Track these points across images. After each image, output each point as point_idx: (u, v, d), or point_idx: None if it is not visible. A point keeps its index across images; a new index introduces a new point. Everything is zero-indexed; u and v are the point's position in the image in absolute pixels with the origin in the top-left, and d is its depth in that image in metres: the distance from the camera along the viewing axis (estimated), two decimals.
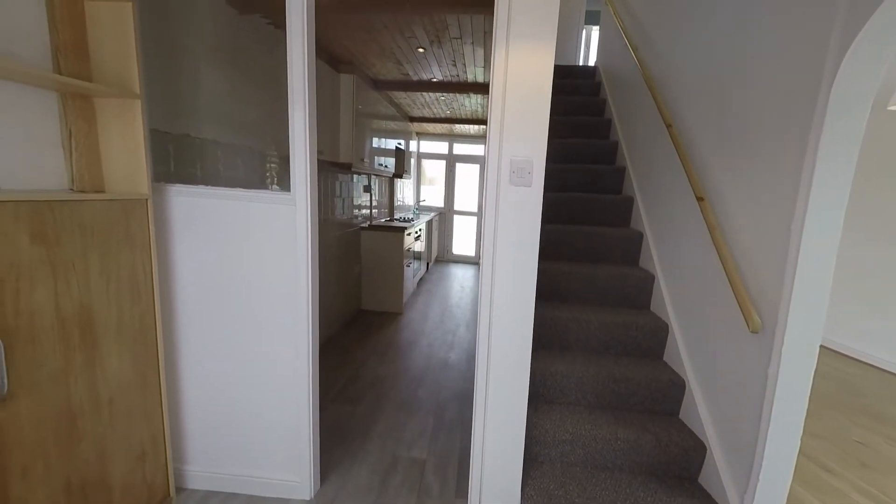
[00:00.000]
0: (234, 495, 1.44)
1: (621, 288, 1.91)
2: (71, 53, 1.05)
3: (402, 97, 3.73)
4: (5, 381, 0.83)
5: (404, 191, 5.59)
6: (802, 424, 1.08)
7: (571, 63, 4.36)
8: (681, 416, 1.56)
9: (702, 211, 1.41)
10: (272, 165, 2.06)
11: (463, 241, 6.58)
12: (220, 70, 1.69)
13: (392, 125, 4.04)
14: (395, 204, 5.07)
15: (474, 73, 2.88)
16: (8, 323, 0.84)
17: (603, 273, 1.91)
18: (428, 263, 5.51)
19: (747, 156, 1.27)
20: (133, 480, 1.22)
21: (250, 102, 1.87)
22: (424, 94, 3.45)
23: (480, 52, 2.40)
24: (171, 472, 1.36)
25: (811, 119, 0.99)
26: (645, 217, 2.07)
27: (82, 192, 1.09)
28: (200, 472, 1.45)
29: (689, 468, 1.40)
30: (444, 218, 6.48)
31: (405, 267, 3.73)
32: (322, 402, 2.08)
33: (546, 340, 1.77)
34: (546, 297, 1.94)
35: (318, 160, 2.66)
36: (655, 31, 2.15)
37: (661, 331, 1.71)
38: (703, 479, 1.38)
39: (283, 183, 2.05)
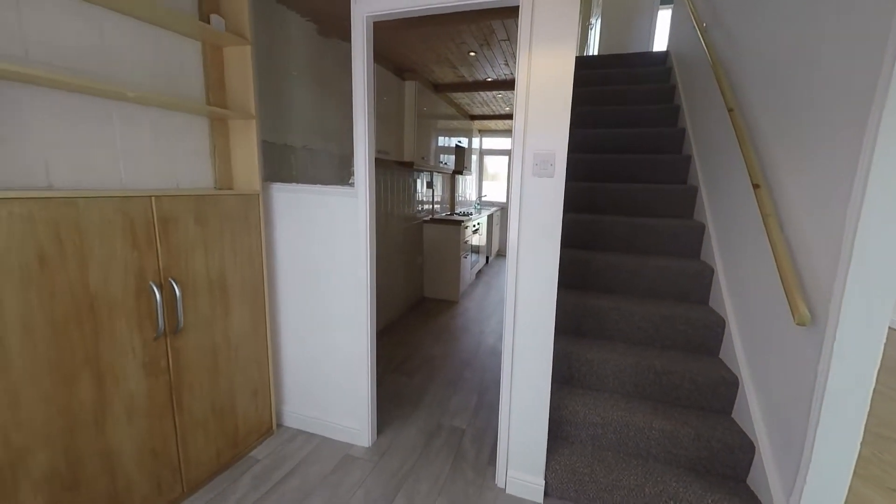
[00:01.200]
0: (314, 435, 1.80)
1: (675, 281, 1.83)
2: (216, 88, 1.48)
3: (462, 97, 3.91)
4: (182, 318, 1.26)
5: (465, 186, 5.79)
6: (862, 425, 0.98)
7: (644, 49, 4.03)
8: (733, 415, 1.48)
9: (756, 198, 1.32)
10: (347, 165, 2.45)
11: None
12: (311, 88, 2.10)
13: (453, 124, 4.26)
14: (457, 199, 5.31)
15: (517, 68, 2.94)
16: (183, 278, 1.27)
17: (653, 265, 1.86)
18: (488, 257, 5.64)
19: (806, 139, 1.17)
20: (249, 412, 1.63)
21: (332, 113, 2.26)
22: (482, 92, 3.58)
23: None
24: (274, 409, 1.77)
25: (869, 109, 0.91)
26: (707, 207, 1.94)
27: (220, 189, 1.53)
28: (292, 412, 1.84)
29: (735, 467, 1.34)
30: (506, 213, 6.52)
31: (462, 258, 3.94)
32: (383, 373, 2.42)
33: (585, 328, 1.80)
34: (591, 286, 1.95)
35: (384, 160, 3.02)
36: (727, 12, 1.97)
37: (715, 326, 1.62)
38: (752, 481, 1.31)
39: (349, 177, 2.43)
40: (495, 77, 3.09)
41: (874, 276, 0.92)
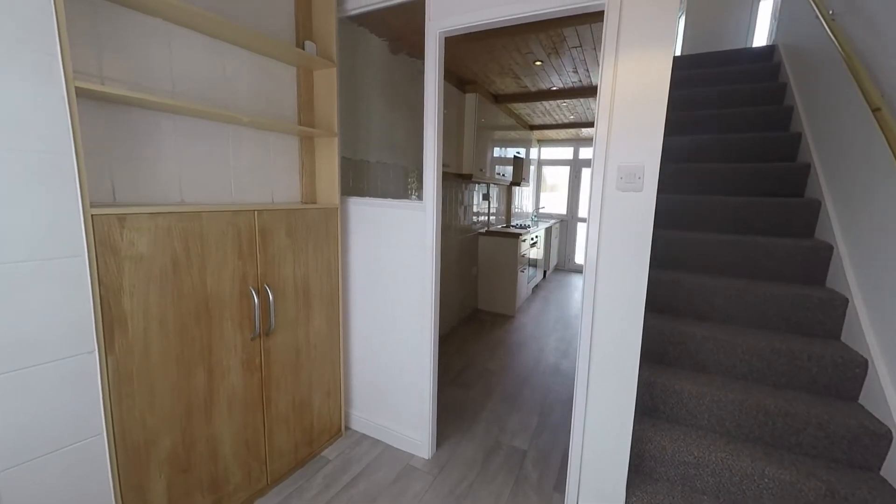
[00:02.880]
0: (378, 441, 1.83)
1: (792, 310, 1.56)
2: (306, 109, 1.63)
3: (522, 107, 3.87)
4: (273, 320, 1.39)
5: (522, 198, 5.67)
6: None
7: (741, 46, 3.62)
8: (882, 472, 1.20)
9: None
10: (411, 179, 2.55)
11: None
12: (382, 104, 2.23)
13: (511, 135, 4.22)
14: (513, 211, 5.21)
15: (599, 76, 2.80)
16: (275, 283, 1.40)
17: (761, 291, 1.61)
18: (545, 271, 5.42)
19: None
20: (323, 412, 1.72)
21: (400, 128, 2.38)
22: (544, 102, 3.50)
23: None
24: (343, 412, 1.85)
25: None
26: (837, 225, 1.64)
27: (306, 203, 1.67)
28: (359, 416, 1.90)
29: None
30: (565, 226, 6.24)
31: (519, 272, 3.83)
32: (440, 384, 2.41)
33: (672, 357, 1.61)
34: (677, 311, 1.75)
35: (445, 172, 3.10)
36: None
37: (853, 366, 1.34)
38: None
39: (419, 193, 2.51)
40: (561, 85, 3.01)
41: None
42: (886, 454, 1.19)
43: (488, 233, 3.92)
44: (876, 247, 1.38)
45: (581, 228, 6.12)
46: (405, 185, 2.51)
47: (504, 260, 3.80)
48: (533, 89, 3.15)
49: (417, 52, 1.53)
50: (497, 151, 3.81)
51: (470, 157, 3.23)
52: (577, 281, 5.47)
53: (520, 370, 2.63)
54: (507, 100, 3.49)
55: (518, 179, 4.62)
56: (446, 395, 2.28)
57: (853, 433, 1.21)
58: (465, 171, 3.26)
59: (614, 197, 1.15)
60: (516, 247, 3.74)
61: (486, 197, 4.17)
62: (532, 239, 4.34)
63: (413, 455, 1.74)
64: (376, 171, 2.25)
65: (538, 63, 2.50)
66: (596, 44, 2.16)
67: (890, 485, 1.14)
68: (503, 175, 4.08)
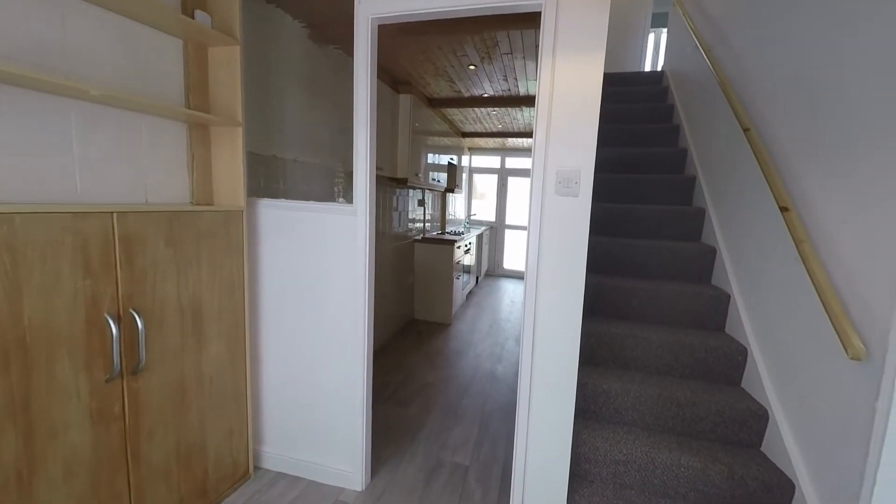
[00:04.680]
0: (299, 479, 1.58)
1: (690, 307, 1.75)
2: (197, 91, 1.33)
3: (455, 113, 3.89)
4: (144, 354, 1.06)
5: (455, 205, 5.74)
6: None
7: (636, 69, 4.17)
8: (763, 448, 1.38)
9: (786, 223, 1.26)
10: (338, 180, 2.31)
11: (514, 255, 6.49)
12: (301, 97, 1.97)
13: (445, 141, 4.23)
14: (447, 217, 5.22)
15: (526, 87, 2.92)
16: (148, 307, 1.07)
17: (667, 290, 1.78)
18: (477, 277, 5.53)
19: (847, 162, 1.12)
20: (222, 454, 1.42)
21: (324, 124, 2.13)
22: (476, 109, 3.56)
23: (532, 65, 2.43)
24: (251, 451, 1.55)
25: None
26: (718, 230, 1.89)
27: (199, 205, 1.35)
28: (273, 453, 1.63)
29: None
30: (494, 232, 6.49)
31: (454, 279, 3.81)
32: (374, 403, 2.21)
33: (599, 357, 1.69)
34: (602, 312, 1.86)
35: (378, 176, 2.89)
36: (734, 30, 1.99)
37: (737, 354, 1.54)
38: None
39: (347, 196, 2.28)
40: (492, 93, 3.08)
41: None
42: (765, 432, 1.37)
43: (424, 239, 3.82)
44: (748, 249, 1.62)
45: (509, 235, 6.44)
46: (332, 186, 2.27)
47: (440, 267, 3.74)
48: (466, 95, 3.17)
49: (347, 46, 1.36)
50: (432, 157, 3.76)
51: (405, 160, 3.11)
52: (506, 285, 5.70)
53: (459, 380, 2.57)
54: (442, 104, 3.47)
55: (452, 186, 4.63)
56: (383, 416, 2.09)
57: (741, 416, 1.38)
58: (399, 176, 3.12)
59: (553, 202, 1.14)
60: (452, 253, 3.71)
61: (422, 203, 4.08)
62: (466, 245, 4.38)
63: (343, 489, 1.54)
64: (296, 171, 1.97)
65: (472, 67, 2.51)
66: (526, 52, 2.22)
67: (769, 459, 1.31)
68: (438, 181, 4.04)
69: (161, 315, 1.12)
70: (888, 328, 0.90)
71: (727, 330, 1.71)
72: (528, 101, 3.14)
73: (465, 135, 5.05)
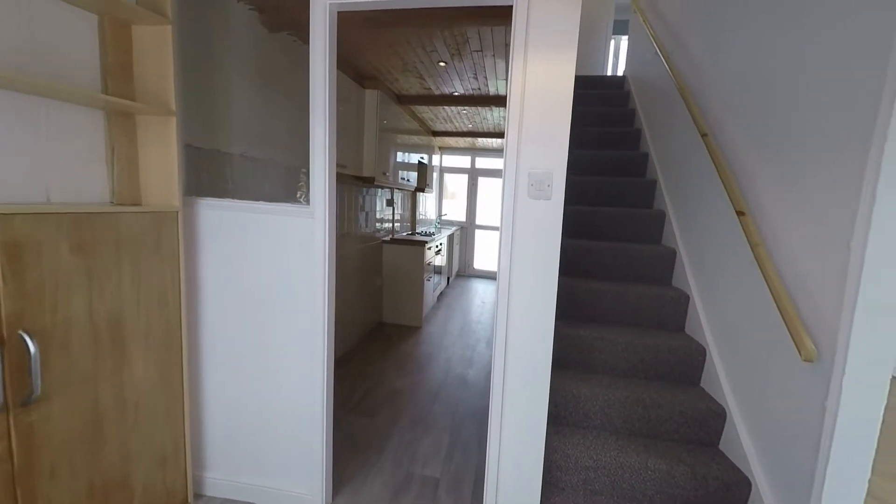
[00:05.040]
0: None
1: (652, 308, 1.79)
2: (118, 74, 1.14)
3: (425, 111, 3.81)
4: (39, 383, 0.87)
5: (426, 205, 5.65)
6: (871, 465, 0.94)
7: (599, 73, 4.29)
8: (721, 446, 1.42)
9: (742, 226, 1.30)
10: (301, 182, 2.14)
11: (484, 255, 6.52)
12: (251, 86, 1.80)
13: (415, 139, 4.12)
14: (417, 218, 5.12)
15: (496, 86, 2.89)
16: (45, 328, 0.89)
17: (632, 292, 1.80)
18: (448, 278, 5.48)
19: (797, 168, 1.17)
20: (153, 484, 1.24)
21: (277, 117, 1.96)
22: (446, 107, 3.50)
23: (501, 64, 2.40)
24: (190, 477, 1.38)
25: (873, 129, 0.90)
26: (678, 233, 1.95)
27: (121, 204, 1.16)
28: (218, 479, 1.47)
29: None
30: (465, 232, 6.47)
31: (425, 281, 3.72)
32: (339, 414, 2.08)
33: (568, 361, 1.68)
34: (568, 315, 1.85)
35: (341, 174, 2.72)
36: (691, 37, 2.06)
37: (697, 355, 1.58)
38: None
39: (307, 196, 2.11)
40: (462, 91, 3.02)
41: (884, 309, 0.89)
42: (723, 430, 1.41)
43: (393, 240, 3.70)
44: (706, 251, 1.67)
45: (480, 235, 6.46)
46: (290, 185, 2.09)
47: (410, 268, 3.64)
48: (436, 92, 3.10)
49: (303, 34, 1.23)
50: (401, 156, 3.65)
51: (372, 158, 2.97)
52: (477, 285, 5.70)
53: (429, 385, 2.48)
54: (411, 101, 3.37)
55: (423, 185, 4.54)
56: (347, 427, 1.97)
57: (702, 416, 1.41)
58: (366, 174, 2.98)
59: (525, 205, 1.10)
60: (422, 254, 3.62)
61: (391, 203, 3.95)
62: (437, 246, 4.30)
63: None
64: (245, 168, 1.79)
65: (442, 64, 2.43)
66: (496, 50, 2.18)
67: (728, 458, 1.35)
68: (408, 180, 3.93)
69: (65, 335, 0.93)
70: (836, 330, 0.94)
71: (687, 330, 1.76)
72: (498, 100, 3.12)
73: (435, 133, 4.98)
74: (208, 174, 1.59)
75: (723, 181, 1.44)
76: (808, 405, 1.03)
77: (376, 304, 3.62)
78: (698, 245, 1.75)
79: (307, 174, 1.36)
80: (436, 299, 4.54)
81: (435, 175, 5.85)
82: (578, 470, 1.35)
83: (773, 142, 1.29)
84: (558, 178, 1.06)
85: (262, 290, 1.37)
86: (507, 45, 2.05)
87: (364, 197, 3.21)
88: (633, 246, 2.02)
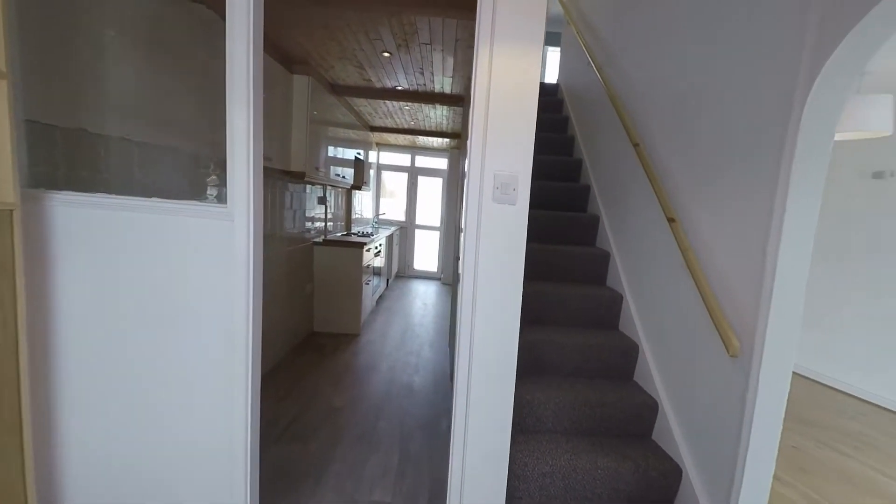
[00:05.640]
0: None
1: (592, 308, 1.88)
2: None
3: (363, 104, 3.57)
4: None
5: (363, 203, 5.35)
6: (777, 446, 1.08)
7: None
8: (654, 437, 1.54)
9: (673, 232, 1.41)
10: (213, 175, 1.78)
11: (424, 256, 6.46)
12: (140, 57, 1.43)
13: (351, 134, 3.85)
14: (353, 217, 4.81)
15: (441, 84, 2.82)
16: None
17: (574, 293, 1.88)
18: (388, 280, 5.28)
19: (718, 179, 1.29)
20: None
21: (179, 96, 1.60)
22: (388, 102, 3.33)
23: (451, 60, 2.32)
24: None
25: (783, 146, 1.02)
26: (611, 236, 2.08)
27: None
28: None
29: (667, 492, 1.36)
30: (405, 232, 6.32)
31: (364, 284, 3.50)
32: (264, 444, 1.79)
33: (521, 365, 1.67)
34: (523, 318, 1.85)
35: (266, 168, 2.37)
36: (620, 52, 2.19)
37: (631, 351, 1.70)
38: (679, 503, 1.36)
39: (219, 191, 1.78)
40: (407, 86, 2.88)
41: (791, 309, 1.02)
42: (655, 421, 1.53)
43: (326, 242, 3.39)
44: (638, 254, 1.80)
45: (419, 235, 6.38)
46: (194, 178, 1.73)
47: (347, 272, 3.37)
48: (378, 85, 2.90)
49: (216, 4, 1.00)
50: (336, 150, 3.35)
51: (302, 152, 2.66)
52: (418, 287, 5.61)
53: (372, 399, 2.31)
54: (348, 92, 3.11)
55: (360, 183, 4.27)
56: (275, 459, 1.71)
57: (638, 410, 1.51)
58: (294, 168, 2.66)
59: (491, 209, 1.03)
60: (361, 257, 3.39)
61: (323, 200, 3.62)
62: (377, 247, 4.09)
63: None
64: (129, 155, 1.41)
65: (386, 54, 2.25)
66: (445, 45, 2.09)
67: (660, 447, 1.47)
68: (343, 177, 3.65)
69: None
70: (755, 329, 1.06)
71: (621, 328, 1.89)
72: (444, 98, 3.06)
73: (373, 129, 4.73)
74: (68, 161, 1.21)
75: (654, 189, 1.55)
76: (731, 396, 1.15)
77: (306, 312, 3.28)
78: (631, 248, 1.88)
79: (220, 166, 1.11)
80: (375, 303, 4.32)
81: (372, 172, 5.58)
82: (535, 477, 1.34)
83: (697, 154, 1.41)
84: (523, 181, 1.02)
85: (157, 308, 1.08)
86: (458, 41, 1.98)
87: (292, 194, 2.87)
88: (571, 248, 2.11)
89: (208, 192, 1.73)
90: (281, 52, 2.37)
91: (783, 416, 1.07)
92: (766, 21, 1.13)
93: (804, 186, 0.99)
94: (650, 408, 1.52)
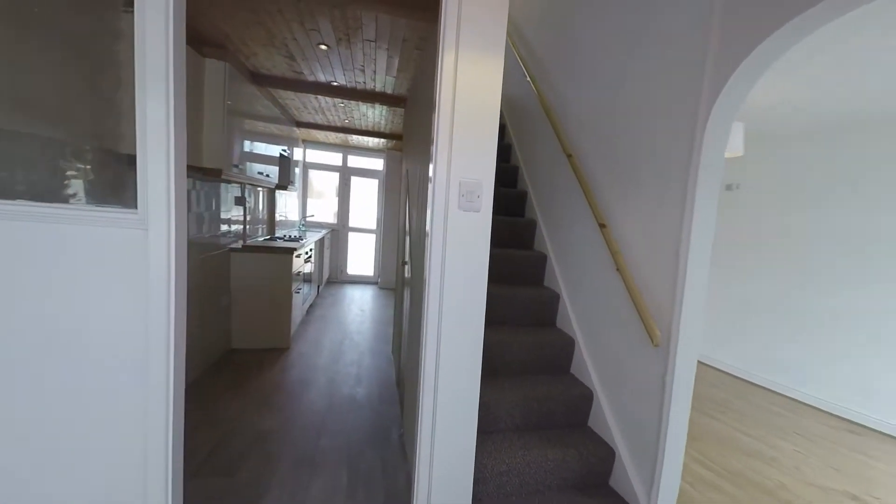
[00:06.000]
0: None
1: (533, 307, 2.01)
2: None
3: (290, 97, 3.28)
4: None
5: (287, 205, 4.90)
6: (688, 421, 1.29)
7: None
8: (589, 424, 1.69)
9: (604, 237, 1.58)
10: (84, 166, 1.44)
11: (359, 259, 6.20)
12: None
13: (274, 128, 3.50)
14: (277, 219, 4.37)
15: (384, 83, 2.71)
16: None
17: (517, 294, 1.97)
18: (319, 286, 4.93)
19: (639, 190, 1.48)
20: None
21: (51, 72, 1.27)
22: (320, 97, 3.11)
23: (396, 60, 2.24)
24: None
25: (689, 162, 1.22)
26: (548, 239, 2.24)
27: None
28: None
29: (604, 474, 1.51)
30: (336, 235, 5.99)
31: (294, 293, 3.21)
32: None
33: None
34: None
35: None
36: (552, 68, 2.34)
37: (568, 346, 1.85)
38: (614, 482, 1.51)
39: (96, 191, 1.45)
40: (345, 83, 2.73)
41: (698, 304, 1.23)
42: (590, 410, 1.68)
43: (247, 248, 3.02)
44: (573, 256, 1.97)
45: (353, 238, 6.11)
46: (60, 176, 1.38)
47: (274, 280, 3.05)
48: (310, 79, 2.69)
49: None
50: (256, 146, 3.01)
51: (217, 146, 2.33)
52: (352, 292, 5.36)
53: (310, 417, 2.13)
54: (274, 83, 2.82)
55: (285, 182, 3.90)
56: (194, 495, 1.46)
57: (576, 401, 1.65)
58: (207, 165, 2.32)
59: (456, 216, 1.04)
60: (290, 263, 3.11)
61: (242, 201, 3.21)
62: (307, 253, 3.79)
63: None
64: None
65: (323, 47, 2.08)
66: (392, 44, 2.01)
67: (596, 433, 1.62)
68: (268, 175, 3.29)
69: None
70: (671, 322, 1.25)
71: (558, 324, 2.04)
72: (384, 98, 2.97)
73: (300, 124, 4.38)
74: None
75: (586, 197, 1.72)
76: (654, 381, 1.33)
77: (222, 327, 2.88)
78: (566, 250, 2.04)
79: (78, 157, 0.91)
80: (305, 313, 4.00)
81: (298, 171, 5.15)
82: (493, 477, 1.38)
83: (621, 167, 1.60)
84: (487, 188, 1.05)
85: (37, 339, 0.85)
86: (405, 41, 1.91)
87: (203, 193, 2.50)
88: (511, 251, 2.22)
89: (69, 191, 1.41)
90: (191, 31, 2.05)
91: (691, 396, 1.28)
92: (672, 56, 1.34)
93: (706, 198, 1.20)
94: (586, 398, 1.67)
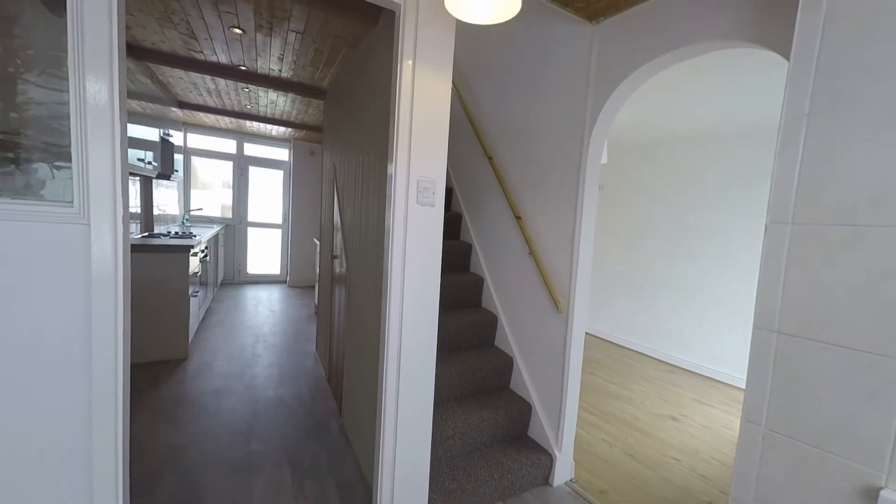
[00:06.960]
0: None
1: (463, 291, 2.27)
2: None
3: (179, 75, 2.82)
4: None
5: (167, 197, 4.12)
6: (580, 377, 1.70)
7: None
8: (511, 386, 2.02)
9: (520, 228, 1.91)
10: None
11: (262, 257, 5.60)
12: None
13: (152, 108, 2.94)
14: (155, 213, 3.66)
15: (300, 76, 2.56)
16: None
17: (448, 280, 2.20)
18: (214, 289, 4.33)
19: (545, 188, 1.82)
20: None
21: None
22: (218, 79, 2.77)
23: (324, 55, 2.15)
24: None
25: (580, 166, 1.61)
26: (472, 230, 2.52)
27: None
28: None
29: (524, 426, 1.85)
30: (232, 231, 5.29)
31: (191, 297, 2.83)
32: None
33: None
34: None
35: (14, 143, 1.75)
36: (472, 79, 2.60)
37: (493, 322, 2.16)
38: (531, 432, 1.86)
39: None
40: (253, 69, 2.49)
41: (586, 280, 1.63)
42: (511, 374, 2.02)
43: (132, 247, 2.52)
44: (494, 245, 2.26)
45: (253, 234, 5.50)
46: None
47: (164, 283, 2.64)
48: (211, 59, 2.39)
49: None
50: (134, 128, 2.51)
51: None
52: (256, 293, 4.88)
53: (236, 424, 2.00)
54: (160, 59, 2.40)
55: (168, 171, 3.31)
56: None
57: (501, 367, 1.96)
58: None
59: (415, 211, 1.16)
60: (186, 263, 2.73)
61: None
62: (203, 250, 3.33)
63: None
64: None
65: (237, 31, 1.88)
66: (321, 39, 1.95)
67: (516, 393, 1.95)
68: (148, 162, 2.77)
69: None
70: (569, 295, 1.62)
71: (483, 305, 2.34)
72: (302, 89, 2.78)
73: (184, 105, 3.74)
74: None
75: (504, 193, 2.03)
76: (558, 343, 1.69)
77: None
78: (488, 240, 2.33)
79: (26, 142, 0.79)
80: (200, 319, 3.52)
81: (179, 157, 4.36)
82: (441, 441, 1.57)
83: (531, 169, 1.93)
84: (440, 185, 1.19)
85: None
86: (337, 38, 1.91)
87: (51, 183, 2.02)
88: (447, 242, 2.38)
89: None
90: None
91: (582, 355, 1.70)
92: (566, 83, 1.70)
93: (590, 196, 1.60)
94: (508, 364, 2.00)
